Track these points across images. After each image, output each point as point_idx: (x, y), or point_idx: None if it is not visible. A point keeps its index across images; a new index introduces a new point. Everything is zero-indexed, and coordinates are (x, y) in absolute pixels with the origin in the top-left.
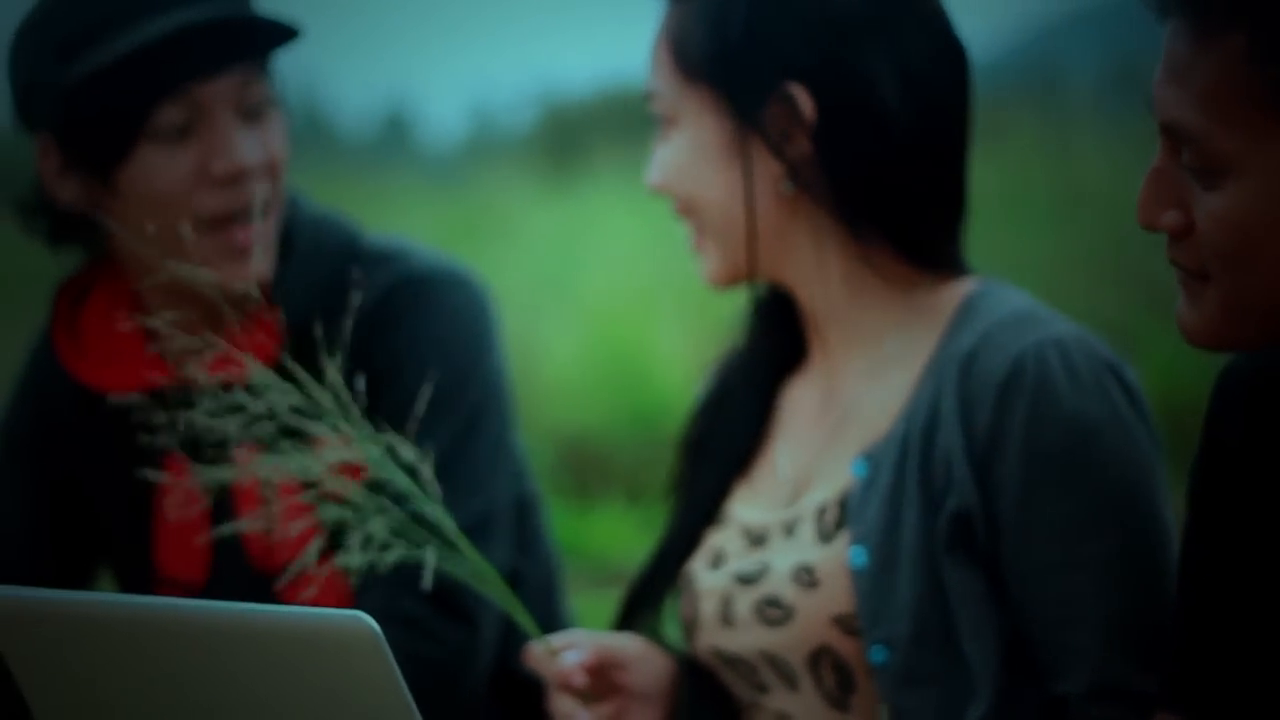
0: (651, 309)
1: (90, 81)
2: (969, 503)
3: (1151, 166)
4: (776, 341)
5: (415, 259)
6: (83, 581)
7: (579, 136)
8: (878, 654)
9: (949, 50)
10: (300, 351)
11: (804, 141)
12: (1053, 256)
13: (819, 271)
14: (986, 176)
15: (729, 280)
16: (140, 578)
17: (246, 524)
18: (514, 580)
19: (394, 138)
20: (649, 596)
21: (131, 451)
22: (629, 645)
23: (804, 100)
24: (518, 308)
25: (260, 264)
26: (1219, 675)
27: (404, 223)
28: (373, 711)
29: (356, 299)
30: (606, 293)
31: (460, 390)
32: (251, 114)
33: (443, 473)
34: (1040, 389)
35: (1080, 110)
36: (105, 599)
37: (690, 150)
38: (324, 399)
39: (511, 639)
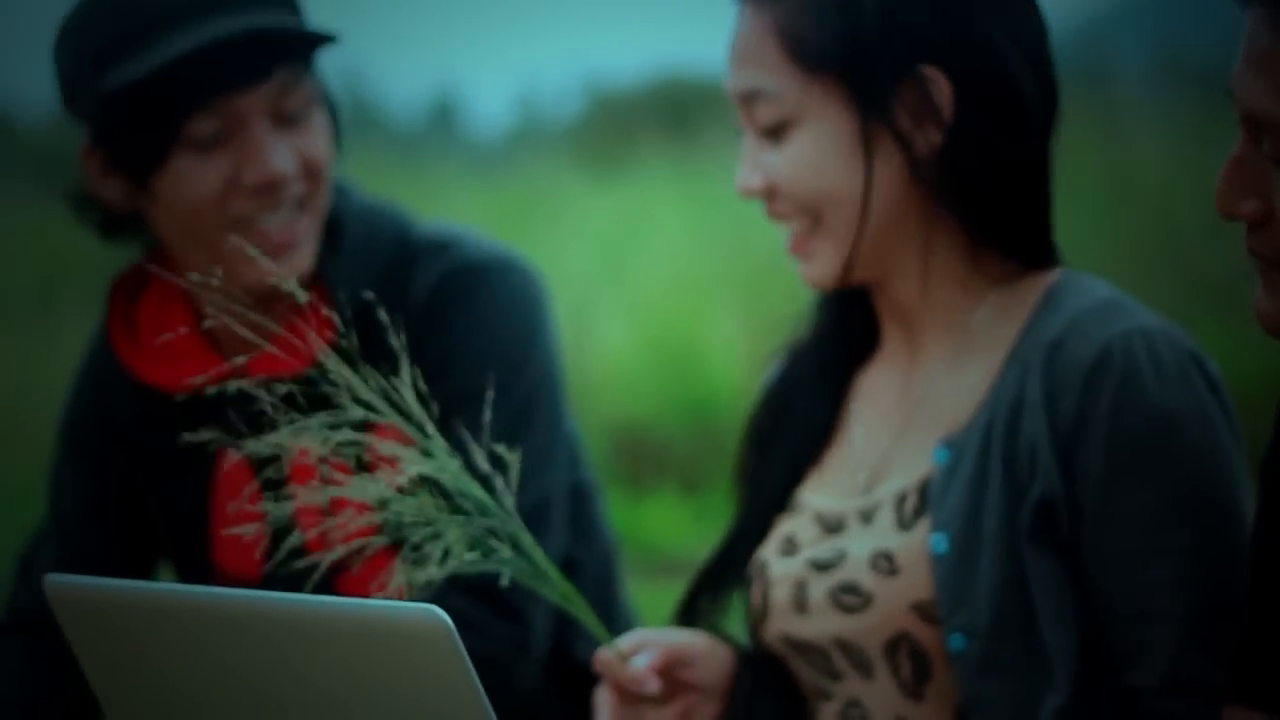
0: (703, 298)
1: (125, 91)
2: (1054, 491)
3: (1231, 155)
4: (847, 330)
5: (467, 247)
6: (145, 574)
7: (626, 126)
8: (957, 641)
9: (1041, 20)
10: (356, 343)
11: (934, 131)
12: (1104, 248)
13: (921, 265)
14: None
15: (841, 281)
16: (197, 573)
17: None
18: (571, 569)
19: (441, 126)
20: (718, 585)
21: (188, 448)
22: (696, 642)
23: (940, 83)
24: (569, 297)
25: (302, 259)
26: None
27: (452, 211)
28: (445, 705)
29: (410, 289)
30: (658, 282)
31: (514, 379)
32: (289, 119)
33: (497, 462)
34: (1126, 378)
35: (1130, 100)
36: (175, 589)
37: (820, 147)
38: (407, 407)
39: (565, 630)
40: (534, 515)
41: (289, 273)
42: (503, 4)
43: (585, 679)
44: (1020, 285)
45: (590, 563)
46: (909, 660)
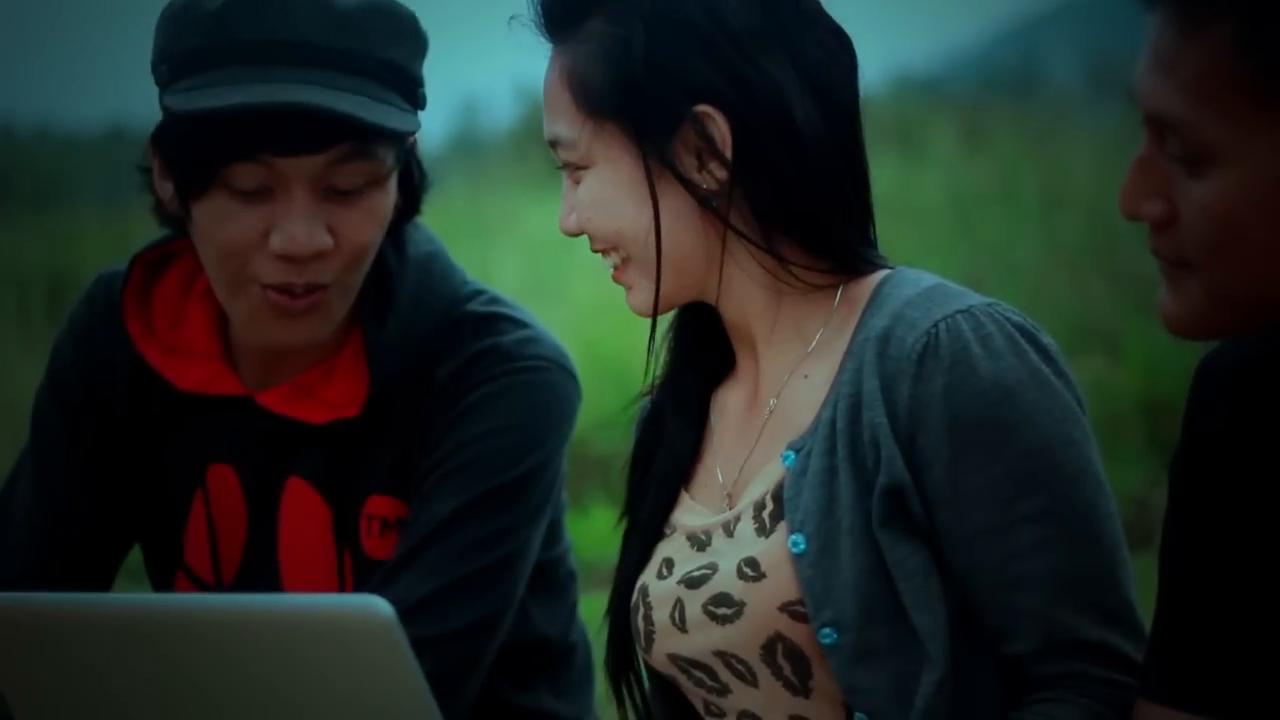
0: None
1: (179, 115)
2: (899, 478)
3: (1136, 156)
4: (702, 354)
5: (506, 334)
6: (121, 551)
7: None
8: (827, 636)
9: (835, 40)
10: (382, 405)
11: (718, 166)
12: (1039, 255)
13: (739, 285)
14: (971, 176)
15: (661, 309)
16: (165, 564)
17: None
18: (566, 650)
19: None
20: (623, 617)
21: (180, 442)
22: None
23: (718, 121)
24: None
25: (321, 328)
26: (1202, 665)
27: None
28: (386, 697)
29: (441, 363)
30: (594, 294)
31: (507, 466)
32: (340, 194)
33: (447, 526)
34: (956, 359)
35: (1063, 105)
36: (103, 599)
37: (609, 188)
38: None
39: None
40: (476, 625)
41: (303, 339)
42: (440, 13)
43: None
44: (854, 288)
45: (581, 645)
46: (788, 661)
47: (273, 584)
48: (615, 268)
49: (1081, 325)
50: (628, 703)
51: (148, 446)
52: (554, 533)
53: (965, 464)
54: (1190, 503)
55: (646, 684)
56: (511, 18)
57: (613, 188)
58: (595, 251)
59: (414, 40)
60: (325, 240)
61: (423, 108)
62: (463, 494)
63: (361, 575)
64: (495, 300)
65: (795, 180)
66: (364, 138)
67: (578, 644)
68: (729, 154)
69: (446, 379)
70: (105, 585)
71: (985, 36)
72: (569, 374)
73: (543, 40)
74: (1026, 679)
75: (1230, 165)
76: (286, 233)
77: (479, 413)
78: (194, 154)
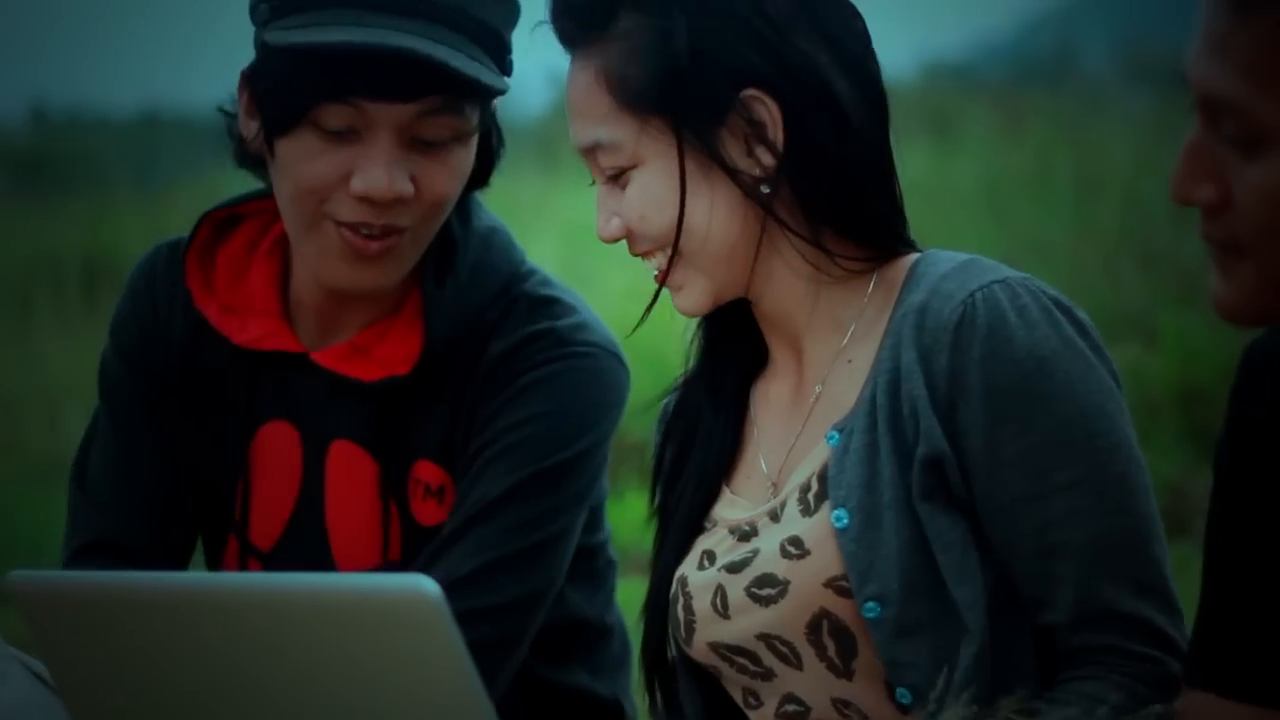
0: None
1: (277, 51)
2: (938, 448)
3: (1186, 141)
4: (736, 349)
5: (561, 317)
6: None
7: None
8: (871, 610)
9: (856, 19)
10: (433, 371)
11: (766, 153)
12: (1073, 242)
13: (780, 277)
14: (1006, 160)
15: (712, 306)
16: (217, 528)
17: None
18: (603, 633)
19: None
20: (659, 613)
21: (233, 401)
22: None
23: (768, 104)
24: None
25: (387, 275)
26: (1247, 652)
27: None
28: (433, 677)
29: (493, 340)
30: (623, 282)
31: (548, 452)
32: (425, 145)
33: (495, 506)
34: (992, 328)
35: (1096, 93)
36: (146, 578)
37: (659, 185)
38: None
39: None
40: (533, 554)
41: (372, 283)
42: None
43: (546, 698)
44: (890, 271)
45: (619, 629)
46: (833, 640)
47: (320, 546)
48: (661, 271)
49: (1116, 312)
50: (659, 698)
51: (203, 406)
52: (594, 520)
53: (1002, 432)
54: (1235, 490)
55: (678, 683)
56: (537, 24)
57: (661, 184)
58: (638, 255)
59: (510, 6)
60: (407, 187)
61: (508, 74)
62: (511, 475)
63: (408, 537)
64: (549, 283)
65: (842, 161)
66: (454, 91)
67: (614, 628)
68: (780, 136)
69: (499, 357)
70: (187, 550)
71: (1019, 23)
72: (619, 361)
73: (565, 48)
74: (1061, 651)
75: None
76: (369, 176)
77: (530, 395)
78: (286, 90)
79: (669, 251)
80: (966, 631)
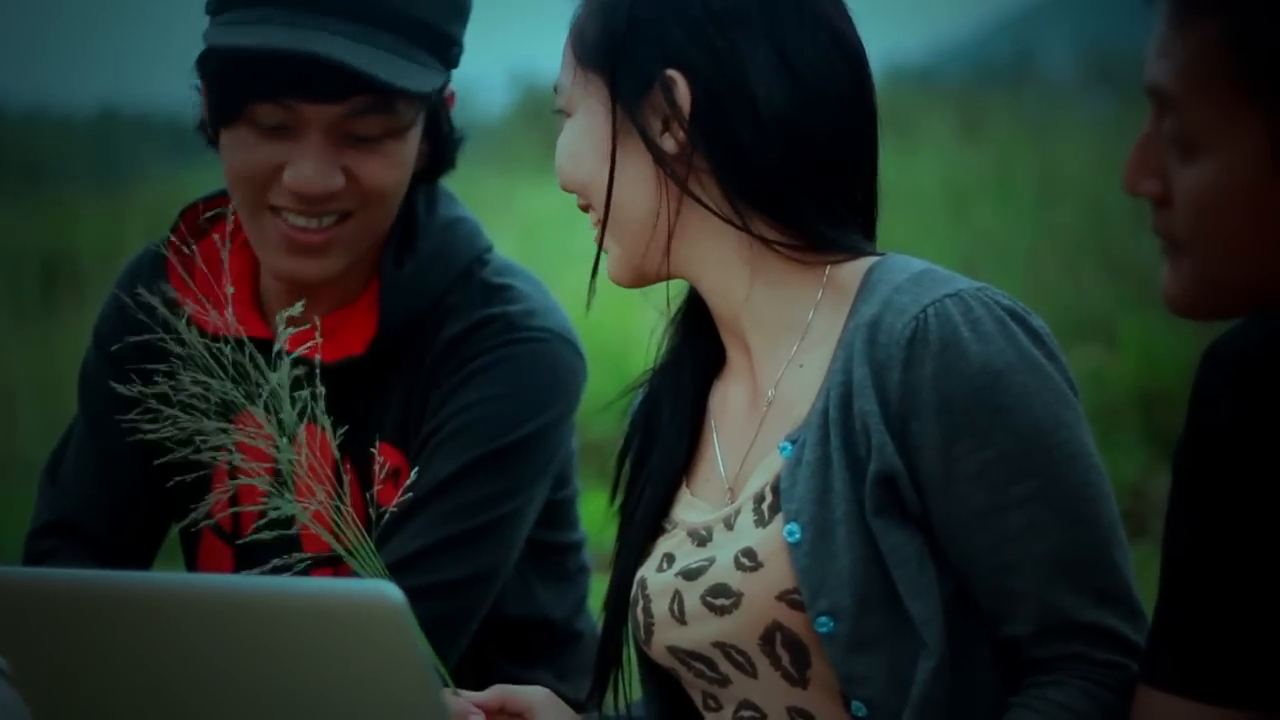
0: (634, 296)
1: (213, 48)
2: (891, 466)
3: (1140, 134)
4: (699, 347)
5: (514, 302)
6: (169, 514)
7: (556, 122)
8: (823, 625)
9: (837, 47)
10: (391, 353)
11: (679, 130)
12: (1034, 244)
13: (721, 264)
14: (966, 165)
15: (632, 277)
16: (192, 522)
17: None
18: (545, 626)
19: None
20: (621, 611)
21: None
22: (531, 693)
23: (681, 87)
24: None
25: (328, 266)
26: (1203, 652)
27: None
28: (394, 683)
29: (446, 324)
30: (586, 281)
31: (497, 432)
32: (358, 140)
33: (444, 487)
34: (945, 343)
35: (1057, 97)
36: (110, 576)
37: (580, 137)
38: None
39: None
40: (468, 541)
41: (313, 274)
42: None
43: (516, 633)
44: (844, 276)
45: (588, 636)
46: (787, 650)
47: (290, 534)
48: (595, 229)
49: (1077, 314)
50: (611, 694)
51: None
52: (565, 517)
53: (957, 449)
54: (1194, 490)
55: (636, 679)
56: None
57: (583, 136)
58: (581, 209)
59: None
60: (336, 182)
61: (454, 66)
62: (460, 456)
63: (369, 520)
64: (510, 270)
65: (754, 153)
66: (383, 92)
67: (584, 633)
68: (687, 118)
69: (451, 341)
70: (153, 542)
71: (980, 26)
72: (573, 347)
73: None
74: (1024, 662)
75: (1215, 154)
76: (298, 171)
77: (480, 378)
78: (223, 87)
79: (592, 210)
80: (924, 646)
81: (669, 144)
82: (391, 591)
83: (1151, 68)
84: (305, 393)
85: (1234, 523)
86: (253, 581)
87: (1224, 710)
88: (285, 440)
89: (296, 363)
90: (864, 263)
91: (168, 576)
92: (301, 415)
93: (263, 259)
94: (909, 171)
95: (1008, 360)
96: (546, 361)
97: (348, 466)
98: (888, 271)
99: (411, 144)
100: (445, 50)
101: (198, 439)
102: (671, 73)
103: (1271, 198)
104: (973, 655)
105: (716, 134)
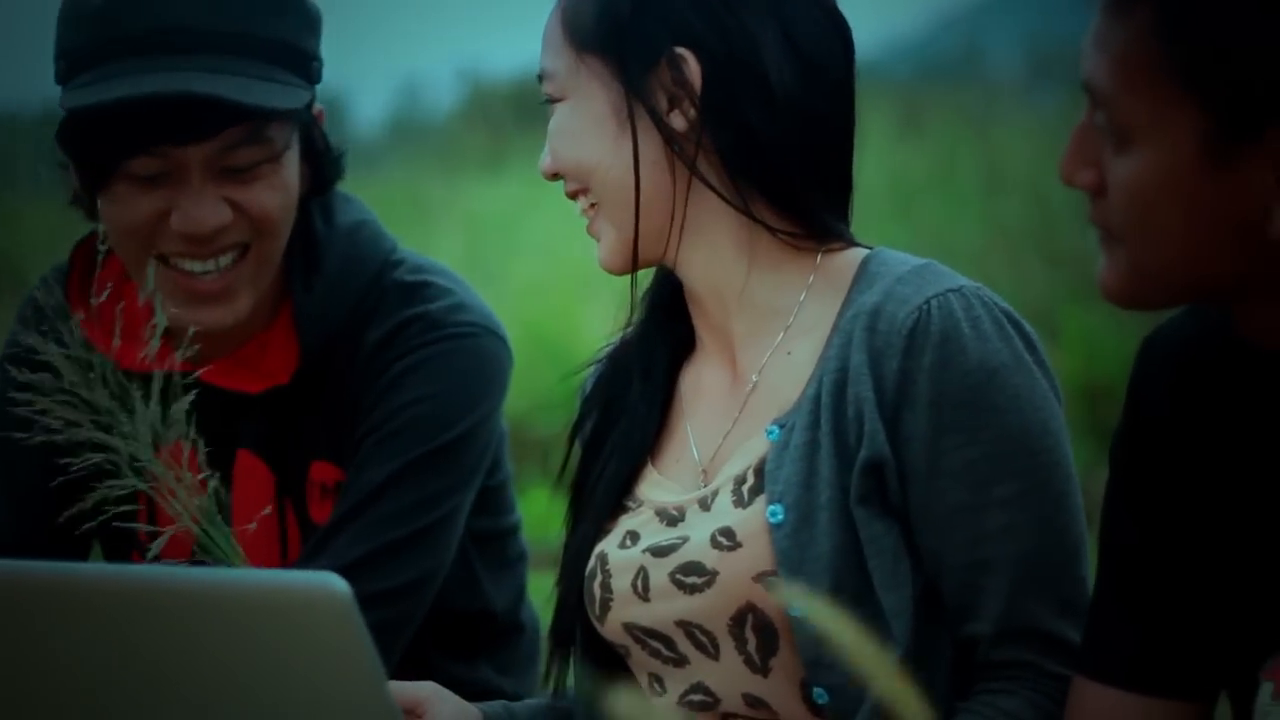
0: (579, 293)
1: (73, 113)
2: (881, 453)
3: (1077, 124)
4: (668, 327)
5: (434, 300)
6: (84, 547)
7: (503, 120)
8: (797, 609)
9: (833, 26)
10: (316, 372)
11: (690, 108)
12: (978, 239)
13: (711, 245)
14: (911, 161)
15: (627, 263)
16: (121, 553)
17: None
18: (487, 619)
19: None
20: (576, 585)
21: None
22: (418, 688)
23: (691, 64)
24: None
25: (234, 311)
26: (1137, 644)
27: None
28: (340, 675)
29: (368, 331)
30: (533, 277)
31: (431, 433)
32: (235, 173)
33: (380, 492)
34: (945, 336)
35: (1001, 94)
36: (48, 568)
37: (579, 120)
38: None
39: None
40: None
41: (217, 321)
42: (381, 1)
43: (460, 628)
44: (836, 263)
45: (530, 627)
46: (755, 635)
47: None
48: (588, 217)
49: (1021, 309)
50: (555, 673)
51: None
52: (501, 502)
53: (945, 442)
54: (1131, 481)
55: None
56: None
57: (582, 119)
58: (569, 195)
59: (300, 14)
60: (224, 216)
61: (317, 81)
62: (395, 460)
63: (308, 541)
64: (423, 268)
65: (763, 134)
66: (252, 120)
67: (525, 625)
68: (698, 97)
69: (374, 346)
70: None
71: (927, 23)
72: (499, 338)
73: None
74: (978, 664)
75: (1146, 146)
76: (185, 214)
77: (409, 380)
78: (91, 150)
79: (591, 196)
80: (889, 638)
81: (678, 122)
82: (337, 582)
83: (1087, 59)
84: (182, 407)
85: (1169, 513)
86: (198, 573)
87: (1157, 701)
88: (151, 455)
89: (226, 396)
90: (856, 253)
91: (111, 567)
92: (172, 433)
93: (163, 315)
94: (855, 167)
95: (1003, 361)
96: (474, 357)
97: (283, 490)
98: (886, 263)
99: (290, 167)
100: (305, 66)
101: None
102: (680, 50)
103: (1203, 190)
104: (934, 655)
105: (725, 113)
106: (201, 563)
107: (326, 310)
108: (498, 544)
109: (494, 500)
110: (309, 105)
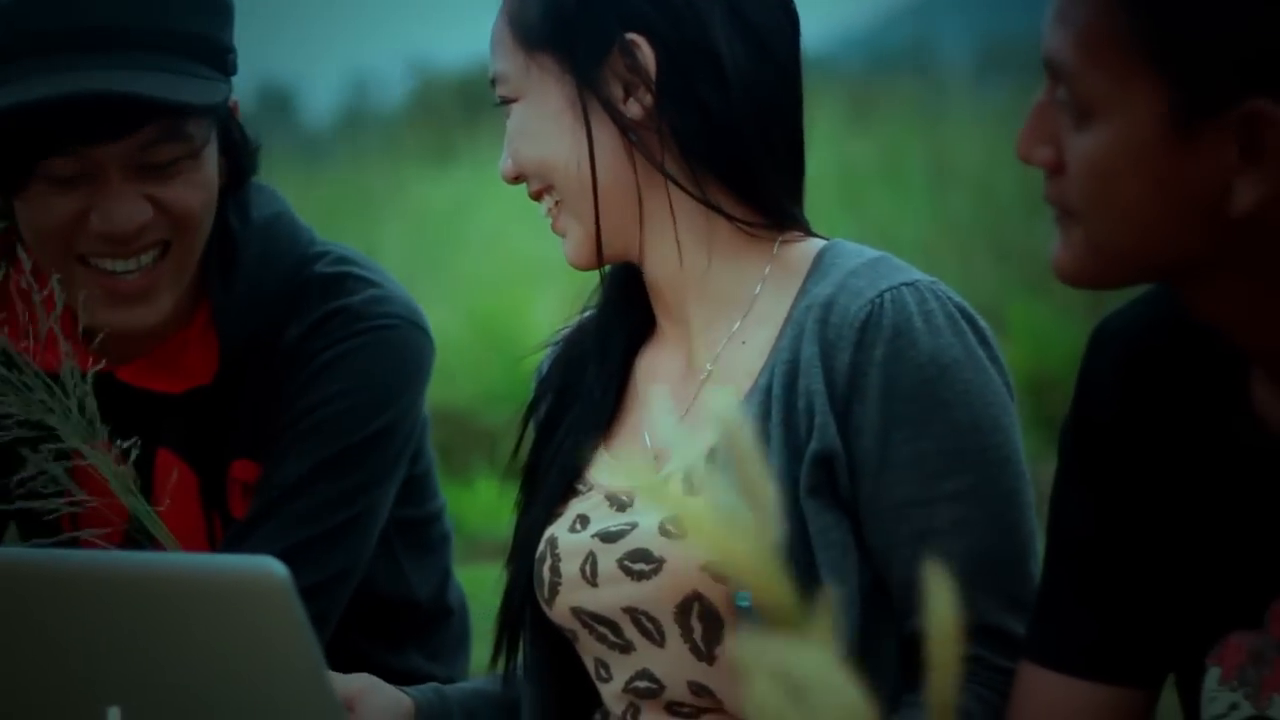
0: (530, 285)
1: None
2: (831, 446)
3: (1036, 101)
4: (627, 312)
5: (355, 292)
6: None
7: (455, 112)
8: (744, 599)
9: (779, 4)
10: (237, 370)
11: (646, 95)
12: (926, 232)
13: (671, 236)
14: (860, 153)
15: (594, 258)
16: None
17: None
18: (410, 608)
19: (270, 114)
20: (526, 569)
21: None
22: (350, 680)
23: (644, 49)
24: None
25: (156, 310)
26: (1083, 630)
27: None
28: (278, 659)
29: (289, 325)
30: (483, 269)
31: (351, 428)
32: (154, 170)
33: (299, 486)
34: (897, 330)
35: (952, 84)
36: None
37: (536, 119)
38: (68, 415)
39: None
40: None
41: (140, 322)
42: None
43: (384, 610)
44: (793, 253)
45: (458, 610)
46: (701, 623)
47: None
48: (552, 215)
49: (968, 301)
50: (503, 656)
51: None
52: (425, 488)
53: (895, 436)
54: (1079, 469)
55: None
56: None
57: (538, 118)
58: (533, 196)
59: (215, 7)
60: (144, 215)
61: (233, 73)
62: (314, 454)
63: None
64: (343, 259)
65: (719, 116)
66: (171, 116)
67: (453, 609)
68: (654, 82)
69: (295, 341)
70: None
71: (876, 16)
72: (420, 330)
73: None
74: (925, 659)
75: (1108, 120)
76: (105, 213)
77: (329, 373)
78: (6, 153)
79: (555, 193)
80: (836, 633)
81: (634, 111)
82: (275, 566)
83: (1049, 34)
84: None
85: (1119, 500)
86: (136, 556)
87: (1104, 687)
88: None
89: (147, 396)
90: (813, 244)
91: (44, 552)
92: (158, 442)
93: (84, 316)
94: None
95: (955, 356)
96: (395, 350)
97: (205, 489)
98: (841, 255)
99: (210, 161)
100: (222, 59)
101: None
102: (632, 36)
103: (1165, 165)
104: (879, 648)
105: (681, 96)
106: (140, 546)
107: (246, 307)
108: (421, 530)
109: (417, 489)
110: (226, 98)
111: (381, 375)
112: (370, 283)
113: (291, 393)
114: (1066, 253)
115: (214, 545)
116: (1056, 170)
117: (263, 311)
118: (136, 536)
